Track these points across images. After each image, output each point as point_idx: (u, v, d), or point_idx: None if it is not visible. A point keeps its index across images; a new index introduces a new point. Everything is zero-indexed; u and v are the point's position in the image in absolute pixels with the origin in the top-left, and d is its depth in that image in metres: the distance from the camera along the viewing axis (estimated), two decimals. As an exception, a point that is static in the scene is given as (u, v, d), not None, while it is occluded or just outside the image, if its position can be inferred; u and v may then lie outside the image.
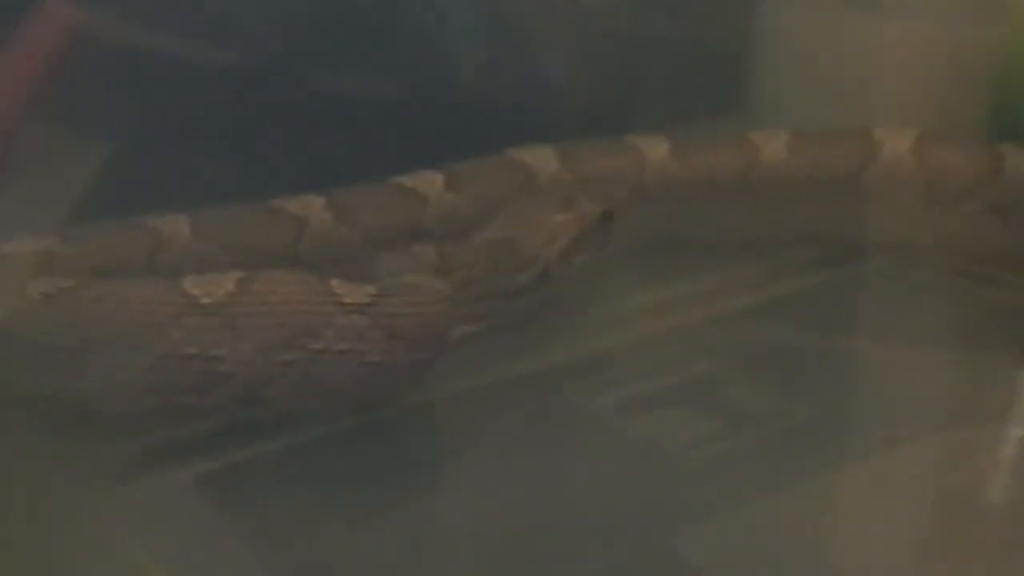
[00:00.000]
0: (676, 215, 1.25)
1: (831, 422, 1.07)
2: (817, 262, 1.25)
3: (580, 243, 1.15)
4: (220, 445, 1.03)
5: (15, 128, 1.14)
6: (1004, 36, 1.25)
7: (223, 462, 1.02)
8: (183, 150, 1.19)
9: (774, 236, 1.26)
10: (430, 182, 1.21)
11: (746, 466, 1.02)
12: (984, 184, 1.22)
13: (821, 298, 1.22)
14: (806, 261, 1.26)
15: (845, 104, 1.29)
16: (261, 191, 1.16)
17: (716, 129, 1.31)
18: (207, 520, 0.98)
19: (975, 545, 0.96)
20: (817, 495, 1.00)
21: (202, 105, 1.20)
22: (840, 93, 1.29)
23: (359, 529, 0.97)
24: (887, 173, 1.23)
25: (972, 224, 1.22)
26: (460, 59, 1.28)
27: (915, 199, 1.23)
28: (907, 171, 1.23)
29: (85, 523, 0.97)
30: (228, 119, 1.20)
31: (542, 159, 1.24)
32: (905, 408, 1.07)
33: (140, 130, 1.18)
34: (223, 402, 1.03)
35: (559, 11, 1.33)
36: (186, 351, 1.01)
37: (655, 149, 1.25)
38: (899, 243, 1.22)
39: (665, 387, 1.11)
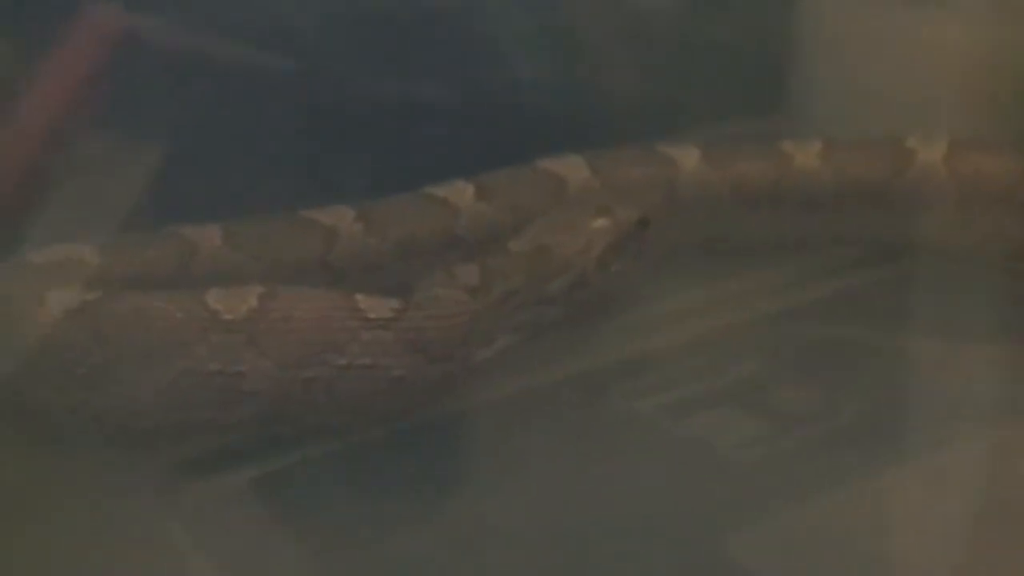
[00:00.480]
0: (707, 223, 1.25)
1: (880, 420, 1.06)
2: (858, 261, 1.25)
3: (616, 250, 1.15)
4: (272, 449, 1.02)
5: (63, 133, 1.13)
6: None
7: (276, 466, 1.01)
8: (236, 155, 1.18)
9: (807, 242, 1.26)
10: (461, 192, 1.21)
11: (795, 466, 1.02)
12: (1015, 189, 1.22)
13: (864, 297, 1.22)
14: (846, 261, 1.25)
15: (888, 102, 1.29)
16: (312, 196, 1.16)
17: (762, 129, 1.32)
18: (260, 523, 0.97)
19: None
20: (867, 494, 0.99)
21: (254, 110, 1.20)
22: (883, 92, 1.29)
23: (409, 530, 0.97)
24: (920, 182, 1.23)
25: (1005, 227, 1.22)
26: (505, 64, 1.28)
27: (948, 205, 1.23)
28: (940, 179, 1.23)
29: (139, 526, 0.96)
30: (279, 124, 1.19)
31: (573, 169, 1.24)
32: (953, 405, 1.06)
33: (193, 135, 1.17)
34: (246, 418, 1.02)
35: (604, 14, 1.33)
36: (209, 368, 1.00)
37: (686, 158, 1.25)
38: (932, 247, 1.22)
39: (711, 388, 1.10)
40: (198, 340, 1.00)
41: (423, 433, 1.06)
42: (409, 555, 0.95)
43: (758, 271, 1.24)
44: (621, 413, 1.09)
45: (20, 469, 1.01)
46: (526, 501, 1.00)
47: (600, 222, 1.15)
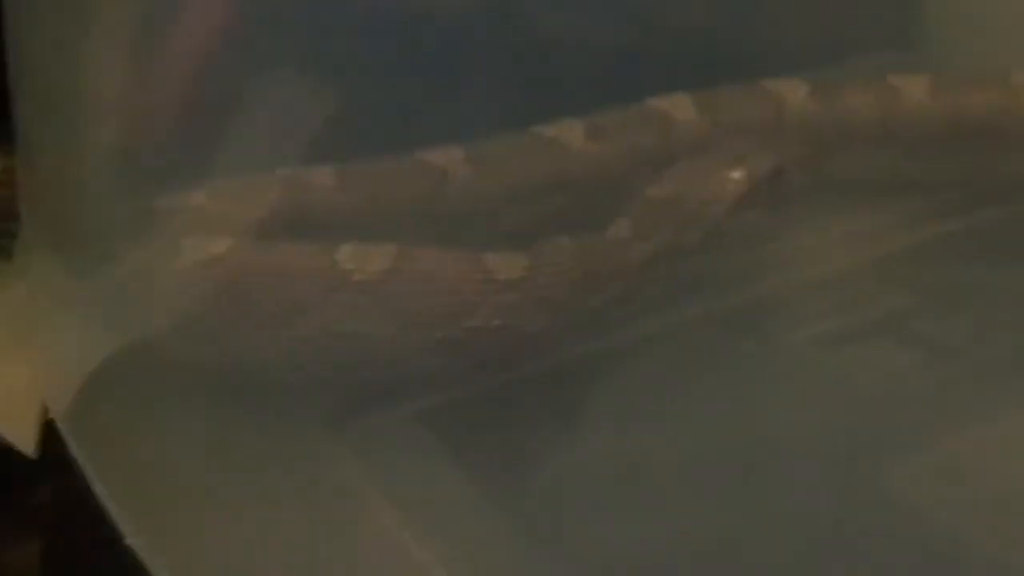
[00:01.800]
0: (817, 159, 1.24)
1: (1028, 352, 1.07)
2: (983, 198, 1.23)
3: (751, 199, 1.13)
4: (438, 383, 1.02)
5: (218, 65, 1.10)
6: None
7: (443, 399, 1.01)
8: (405, 89, 1.16)
9: (921, 178, 1.25)
10: (571, 131, 1.19)
11: (947, 399, 1.02)
12: None
13: (997, 232, 1.21)
14: (971, 198, 1.23)
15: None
16: (472, 130, 1.15)
17: (896, 63, 1.30)
18: (430, 454, 0.98)
19: None
20: (1021, 426, 0.99)
21: (428, 42, 1.18)
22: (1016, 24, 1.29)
23: (575, 458, 0.98)
24: None
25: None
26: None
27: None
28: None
29: (307, 462, 0.97)
30: (447, 56, 1.17)
31: (680, 107, 1.22)
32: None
33: (358, 71, 1.15)
34: (372, 376, 1.01)
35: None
36: (337, 328, 0.99)
37: (794, 93, 1.24)
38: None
39: (858, 321, 1.10)
40: (327, 299, 0.99)
41: (575, 369, 1.05)
42: (577, 476, 0.96)
43: (881, 207, 1.22)
44: (771, 347, 1.09)
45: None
46: (680, 430, 1.00)
47: (735, 172, 1.13)
